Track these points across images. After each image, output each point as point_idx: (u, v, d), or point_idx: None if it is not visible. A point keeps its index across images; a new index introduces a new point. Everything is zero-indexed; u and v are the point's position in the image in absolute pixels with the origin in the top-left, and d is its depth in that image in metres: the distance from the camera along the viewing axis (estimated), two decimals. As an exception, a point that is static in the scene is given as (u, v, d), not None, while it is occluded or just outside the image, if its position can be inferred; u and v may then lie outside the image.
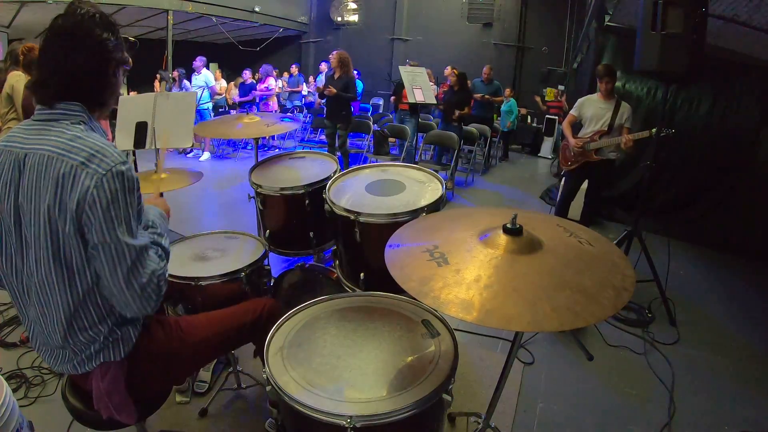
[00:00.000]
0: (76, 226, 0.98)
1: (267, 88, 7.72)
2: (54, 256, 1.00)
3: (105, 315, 1.09)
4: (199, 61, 7.06)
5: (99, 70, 1.04)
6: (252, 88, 7.97)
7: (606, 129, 3.28)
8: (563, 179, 3.79)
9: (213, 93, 7.27)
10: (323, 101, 5.27)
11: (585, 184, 3.60)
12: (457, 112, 5.61)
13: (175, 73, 7.22)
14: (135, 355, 1.17)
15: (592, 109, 3.36)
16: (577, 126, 3.50)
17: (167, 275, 1.12)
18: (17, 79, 2.94)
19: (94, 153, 0.98)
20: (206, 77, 7.07)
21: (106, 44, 1.03)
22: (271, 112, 7.68)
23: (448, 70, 6.72)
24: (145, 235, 1.08)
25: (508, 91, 7.49)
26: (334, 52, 5.19)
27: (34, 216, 0.99)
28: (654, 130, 2.96)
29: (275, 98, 7.98)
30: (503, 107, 7.46)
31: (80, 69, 1.01)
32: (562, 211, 3.66)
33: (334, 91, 4.92)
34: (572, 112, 3.49)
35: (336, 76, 5.05)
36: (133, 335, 1.16)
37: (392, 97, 6.53)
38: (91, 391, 1.17)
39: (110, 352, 1.12)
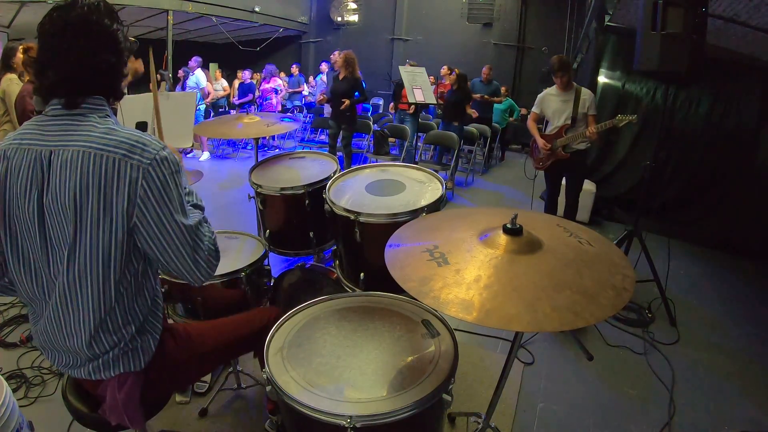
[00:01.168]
0: (125, 221, 0.95)
1: (273, 89, 7.71)
2: (93, 256, 0.96)
3: (131, 319, 1.06)
4: (193, 61, 7.04)
5: (117, 62, 1.00)
6: (250, 88, 7.96)
7: (570, 123, 3.19)
8: (545, 179, 3.68)
9: (204, 94, 7.24)
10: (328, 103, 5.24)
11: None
12: (471, 111, 5.61)
13: (181, 73, 7.22)
14: (149, 368, 1.14)
15: (553, 104, 3.26)
16: (542, 122, 3.44)
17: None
18: (9, 83, 2.90)
19: (134, 144, 0.95)
20: (197, 78, 7.02)
21: (117, 34, 0.99)
22: (274, 111, 7.68)
23: (444, 70, 6.72)
24: (193, 210, 1.08)
25: (503, 89, 7.49)
26: (337, 52, 5.16)
27: (68, 217, 0.93)
28: (618, 116, 2.93)
29: (276, 96, 7.98)
30: (501, 106, 7.47)
31: (101, 63, 0.97)
32: (550, 210, 3.62)
33: (348, 102, 4.89)
34: (534, 109, 3.37)
35: (341, 76, 5.01)
36: (152, 345, 1.13)
37: (391, 104, 6.55)
38: (97, 397, 1.15)
39: (130, 360, 1.08)
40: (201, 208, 1.15)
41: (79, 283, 0.98)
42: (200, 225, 1.05)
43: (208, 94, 7.28)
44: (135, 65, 1.15)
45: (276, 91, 7.66)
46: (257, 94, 7.94)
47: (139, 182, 0.93)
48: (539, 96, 3.35)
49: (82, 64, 0.95)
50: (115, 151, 0.93)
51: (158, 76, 7.44)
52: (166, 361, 1.19)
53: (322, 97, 5.27)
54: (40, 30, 0.95)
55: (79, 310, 1.00)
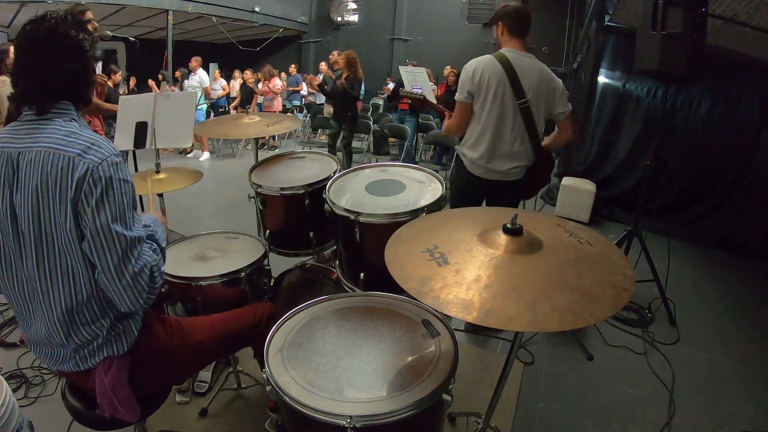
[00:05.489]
0: (74, 216, 1.00)
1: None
2: (54, 253, 1.02)
3: (106, 309, 1.10)
4: (193, 61, 7.05)
5: (83, 71, 1.07)
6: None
7: None
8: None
9: (207, 94, 7.25)
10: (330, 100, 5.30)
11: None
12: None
13: (178, 73, 7.21)
14: (137, 351, 1.18)
15: None
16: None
17: (162, 270, 1.13)
18: (2, 85, 2.89)
19: (90, 145, 1.02)
20: (201, 77, 7.05)
21: (84, 44, 1.05)
22: (275, 111, 7.72)
23: (447, 70, 6.71)
24: (141, 229, 1.10)
25: None
26: (336, 52, 5.18)
27: (32, 214, 0.99)
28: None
29: (279, 98, 8.02)
30: None
31: (66, 72, 1.04)
32: None
33: (344, 83, 4.90)
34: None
35: (344, 77, 5.03)
36: (134, 328, 1.17)
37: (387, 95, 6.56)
38: (90, 392, 1.18)
39: (113, 346, 1.13)
40: (156, 243, 1.17)
41: (49, 279, 1.03)
42: (139, 242, 1.06)
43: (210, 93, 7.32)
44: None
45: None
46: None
47: (86, 178, 0.98)
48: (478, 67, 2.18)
49: (49, 72, 1.02)
50: (71, 150, 0.99)
51: (161, 75, 7.46)
52: (155, 346, 1.23)
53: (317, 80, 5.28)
54: (14, 43, 1.04)
55: (53, 306, 1.05)
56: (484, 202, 2.34)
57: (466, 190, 2.23)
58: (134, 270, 1.04)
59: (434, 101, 4.93)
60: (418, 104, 2.55)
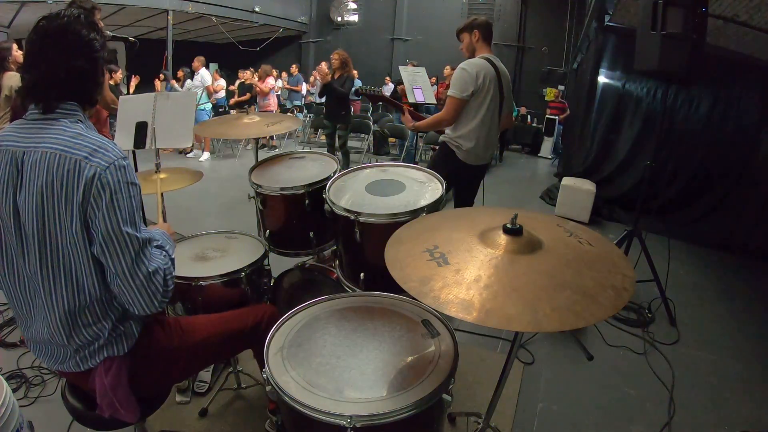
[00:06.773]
0: (81, 220, 0.99)
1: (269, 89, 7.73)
2: (58, 255, 1.01)
3: (108, 311, 1.10)
4: (196, 61, 7.06)
5: (91, 70, 1.07)
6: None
7: None
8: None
9: (209, 93, 7.26)
10: (322, 99, 5.31)
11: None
12: None
13: (181, 73, 7.21)
14: (136, 351, 1.18)
15: None
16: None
17: (173, 276, 1.15)
18: (16, 81, 2.92)
19: (97, 148, 1.01)
20: (203, 77, 7.05)
21: (94, 44, 1.05)
22: (272, 111, 7.71)
23: (447, 70, 6.72)
24: (148, 229, 1.11)
25: None
26: (335, 53, 5.20)
27: (36, 214, 0.99)
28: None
29: (275, 98, 7.99)
30: None
31: (74, 70, 1.03)
32: None
33: (328, 78, 4.91)
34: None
35: (336, 76, 5.05)
36: (135, 330, 1.17)
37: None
38: (90, 392, 1.18)
39: (114, 346, 1.13)
40: (165, 251, 1.18)
41: (52, 280, 1.03)
42: (150, 243, 1.08)
43: (213, 92, 7.30)
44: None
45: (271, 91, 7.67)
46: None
47: (94, 182, 0.98)
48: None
49: (56, 68, 1.01)
50: (77, 152, 0.99)
51: (162, 75, 7.46)
52: (154, 347, 1.23)
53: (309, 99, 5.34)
54: (27, 38, 1.03)
55: (55, 307, 1.05)
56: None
57: (458, 177, 2.66)
58: (147, 270, 1.05)
59: (434, 101, 4.92)
60: (374, 100, 3.07)
